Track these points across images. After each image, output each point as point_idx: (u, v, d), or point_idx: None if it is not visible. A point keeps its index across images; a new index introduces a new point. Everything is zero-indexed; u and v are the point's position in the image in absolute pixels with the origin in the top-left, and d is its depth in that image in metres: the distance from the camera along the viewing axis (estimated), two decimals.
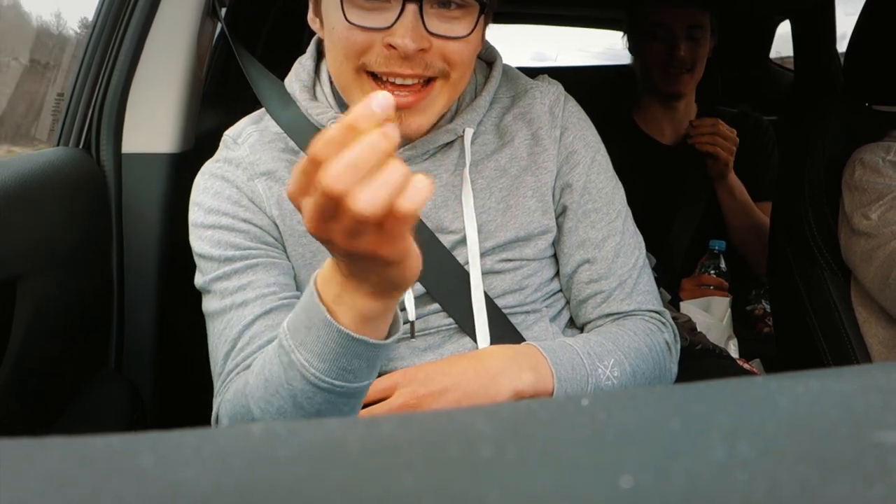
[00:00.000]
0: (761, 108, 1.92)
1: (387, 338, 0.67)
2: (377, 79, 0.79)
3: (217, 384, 0.83)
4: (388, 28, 0.76)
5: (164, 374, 1.13)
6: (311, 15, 0.88)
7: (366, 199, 0.51)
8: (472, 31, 0.80)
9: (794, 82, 2.26)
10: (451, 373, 0.79)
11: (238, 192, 0.87)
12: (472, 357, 0.81)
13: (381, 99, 0.51)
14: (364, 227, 0.53)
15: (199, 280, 0.86)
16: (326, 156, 0.51)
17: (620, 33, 1.85)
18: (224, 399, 0.80)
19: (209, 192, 0.87)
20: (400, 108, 0.78)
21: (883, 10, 1.20)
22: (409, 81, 0.79)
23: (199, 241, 0.86)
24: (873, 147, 1.19)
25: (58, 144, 1.10)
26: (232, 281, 0.83)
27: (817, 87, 2.06)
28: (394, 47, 0.76)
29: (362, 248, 0.56)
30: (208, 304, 0.85)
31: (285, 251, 0.88)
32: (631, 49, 1.79)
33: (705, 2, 1.64)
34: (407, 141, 0.87)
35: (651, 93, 1.75)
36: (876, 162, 1.15)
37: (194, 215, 0.87)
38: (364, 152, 0.50)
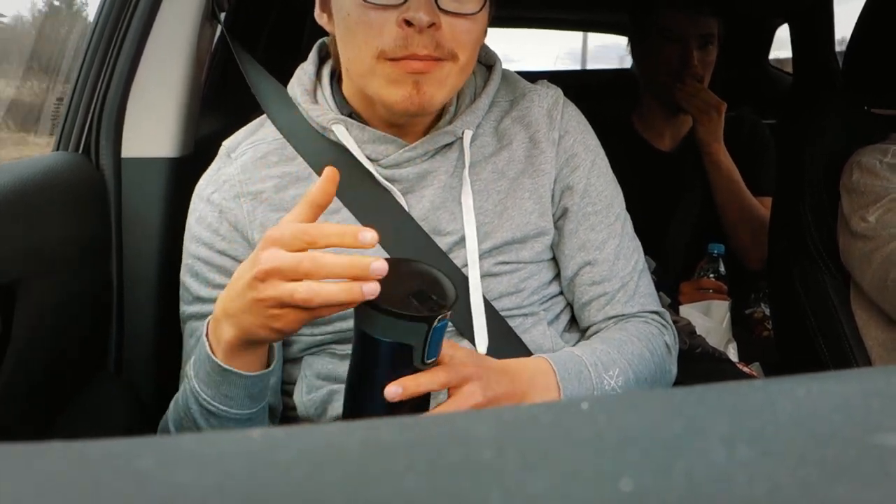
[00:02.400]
0: (760, 111, 1.92)
1: (265, 368, 0.78)
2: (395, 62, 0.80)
3: None
4: (402, 4, 0.78)
5: (164, 376, 1.13)
6: (317, 11, 0.89)
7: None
8: (480, 9, 0.81)
9: (792, 85, 2.26)
10: (501, 385, 0.77)
11: (219, 217, 0.89)
12: (517, 369, 0.80)
13: (369, 236, 0.65)
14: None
15: (180, 307, 0.94)
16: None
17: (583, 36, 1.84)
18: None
19: (194, 215, 0.91)
20: (417, 74, 0.79)
21: (881, 15, 1.20)
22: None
23: (183, 266, 0.92)
24: (871, 149, 1.19)
25: (57, 149, 1.10)
26: (200, 324, 0.88)
27: (816, 90, 2.06)
28: (408, 23, 0.77)
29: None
30: (183, 332, 0.94)
31: None
32: (636, 56, 1.77)
33: (711, 7, 1.64)
34: (405, 143, 0.88)
35: (655, 99, 1.74)
36: (874, 164, 1.15)
37: (185, 236, 0.93)
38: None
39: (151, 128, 1.11)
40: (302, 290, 0.65)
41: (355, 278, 0.65)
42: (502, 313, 0.89)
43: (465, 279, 0.87)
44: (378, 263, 0.64)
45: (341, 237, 0.66)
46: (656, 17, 1.65)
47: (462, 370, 0.73)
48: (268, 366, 0.79)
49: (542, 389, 0.80)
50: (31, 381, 0.90)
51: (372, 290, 0.65)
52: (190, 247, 0.91)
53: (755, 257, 1.64)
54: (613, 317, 0.93)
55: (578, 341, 0.95)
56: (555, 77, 1.03)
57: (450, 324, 0.86)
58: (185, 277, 0.91)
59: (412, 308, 0.68)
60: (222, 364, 0.75)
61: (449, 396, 0.74)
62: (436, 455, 0.20)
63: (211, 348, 0.76)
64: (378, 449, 0.20)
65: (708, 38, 1.64)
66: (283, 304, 0.67)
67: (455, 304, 0.70)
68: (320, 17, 0.89)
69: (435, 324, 0.69)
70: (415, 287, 0.70)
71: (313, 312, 0.68)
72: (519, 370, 0.80)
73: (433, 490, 0.18)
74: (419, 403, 0.72)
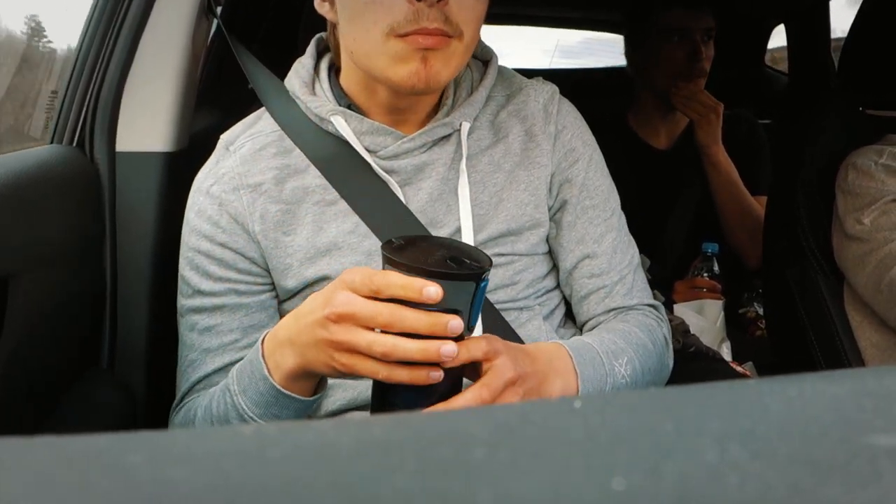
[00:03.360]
0: (755, 111, 1.92)
1: (315, 394, 0.78)
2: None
3: (175, 401, 0.93)
4: None
5: (157, 373, 1.12)
6: (317, 0, 0.89)
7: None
8: None
9: (788, 85, 2.26)
10: (525, 363, 0.76)
11: (219, 209, 0.89)
12: (536, 355, 0.79)
13: (433, 291, 0.64)
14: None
15: (178, 301, 0.93)
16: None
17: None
18: (172, 422, 0.92)
19: (194, 209, 0.91)
20: (427, 49, 0.79)
21: (876, 18, 1.20)
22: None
23: (182, 259, 0.92)
24: (866, 150, 1.19)
25: (51, 142, 1.10)
26: (201, 317, 0.89)
27: (812, 90, 2.07)
28: None
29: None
30: (181, 326, 0.93)
31: (267, 266, 0.90)
32: (634, 57, 1.75)
33: (710, 7, 1.64)
34: (403, 134, 0.89)
35: (652, 98, 1.73)
36: (868, 166, 1.15)
37: (184, 230, 0.92)
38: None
39: (146, 122, 1.11)
40: (381, 344, 0.65)
41: (432, 336, 0.65)
42: (497, 306, 0.89)
43: None
44: (455, 321, 0.65)
45: (405, 290, 0.64)
46: (655, 17, 1.64)
47: (493, 342, 0.72)
48: (319, 388, 0.79)
49: (562, 372, 0.80)
50: (23, 376, 0.90)
51: (450, 351, 0.65)
52: (190, 240, 0.91)
53: (754, 256, 1.65)
54: (613, 309, 0.95)
55: (573, 337, 0.96)
56: (549, 75, 1.03)
57: None
58: (185, 271, 0.91)
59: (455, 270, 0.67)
60: (281, 389, 0.75)
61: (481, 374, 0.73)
62: (427, 453, 0.20)
63: (268, 370, 0.76)
64: (370, 446, 0.20)
65: (710, 33, 1.64)
66: (356, 351, 0.67)
67: (491, 264, 0.70)
68: (321, 7, 0.89)
69: (480, 282, 0.67)
70: (448, 254, 0.69)
71: (387, 367, 0.66)
72: (537, 353, 0.79)
73: (424, 488, 0.18)
74: (455, 383, 0.71)
